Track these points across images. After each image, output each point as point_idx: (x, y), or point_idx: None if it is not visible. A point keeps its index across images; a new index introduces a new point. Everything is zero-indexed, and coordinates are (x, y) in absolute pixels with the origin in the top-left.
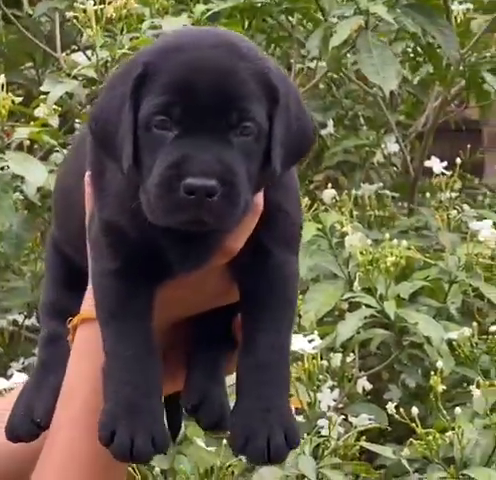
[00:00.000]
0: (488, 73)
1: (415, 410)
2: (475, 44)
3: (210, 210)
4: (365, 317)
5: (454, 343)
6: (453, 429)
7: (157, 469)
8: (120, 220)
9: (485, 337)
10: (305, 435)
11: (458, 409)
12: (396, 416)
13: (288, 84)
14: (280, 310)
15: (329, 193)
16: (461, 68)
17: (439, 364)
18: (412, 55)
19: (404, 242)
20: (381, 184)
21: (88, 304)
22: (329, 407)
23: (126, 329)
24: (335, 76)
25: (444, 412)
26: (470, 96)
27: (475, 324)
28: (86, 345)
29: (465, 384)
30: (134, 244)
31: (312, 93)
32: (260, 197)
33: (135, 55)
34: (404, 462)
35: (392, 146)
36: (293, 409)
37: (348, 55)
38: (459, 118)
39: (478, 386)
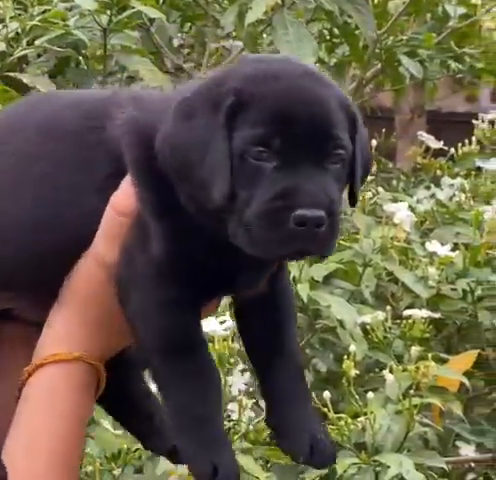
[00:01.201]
0: (404, 56)
1: (327, 394)
2: (392, 26)
3: (317, 240)
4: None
5: (367, 327)
6: (365, 414)
7: None
8: (191, 249)
9: (399, 322)
10: None
11: (370, 394)
12: None
13: (355, 107)
14: (292, 314)
15: None
16: (378, 50)
17: (352, 348)
18: (328, 37)
19: None
20: None
21: (47, 349)
22: (240, 391)
23: (190, 363)
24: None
25: (356, 397)
26: (386, 80)
27: (389, 308)
28: (50, 393)
29: (378, 369)
30: (201, 271)
31: None
32: None
33: (215, 81)
34: None
35: None
36: None
37: (264, 35)
38: (374, 105)
39: (391, 371)
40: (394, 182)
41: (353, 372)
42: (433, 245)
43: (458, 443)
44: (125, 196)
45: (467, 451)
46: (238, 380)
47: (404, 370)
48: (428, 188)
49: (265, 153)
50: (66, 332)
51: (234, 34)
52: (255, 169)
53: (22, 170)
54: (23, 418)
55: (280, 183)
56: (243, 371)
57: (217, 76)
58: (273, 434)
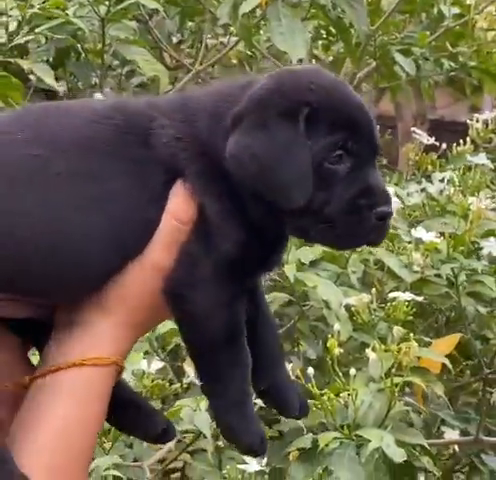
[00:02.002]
0: (398, 53)
1: (311, 370)
2: (385, 23)
3: (385, 231)
4: (265, 281)
5: (353, 309)
6: (348, 392)
7: None
8: (250, 247)
9: (383, 305)
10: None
11: (353, 370)
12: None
13: None
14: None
15: None
16: (372, 48)
17: (336, 327)
18: (325, 35)
19: None
20: None
21: (87, 350)
22: None
23: (240, 349)
24: (248, 53)
25: (340, 374)
26: (380, 80)
27: (374, 291)
28: (87, 393)
29: (363, 351)
30: (255, 266)
31: (223, 67)
32: None
33: (276, 92)
34: (299, 422)
35: None
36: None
37: (261, 32)
38: (376, 113)
39: (374, 350)
40: (387, 178)
41: (337, 350)
42: (418, 231)
43: (443, 428)
44: (184, 205)
45: (451, 436)
46: None
47: (387, 350)
48: (419, 183)
49: (342, 156)
50: (111, 337)
51: (231, 30)
52: (332, 172)
53: (76, 188)
54: (51, 410)
55: (358, 183)
56: None
57: (274, 87)
58: (263, 396)
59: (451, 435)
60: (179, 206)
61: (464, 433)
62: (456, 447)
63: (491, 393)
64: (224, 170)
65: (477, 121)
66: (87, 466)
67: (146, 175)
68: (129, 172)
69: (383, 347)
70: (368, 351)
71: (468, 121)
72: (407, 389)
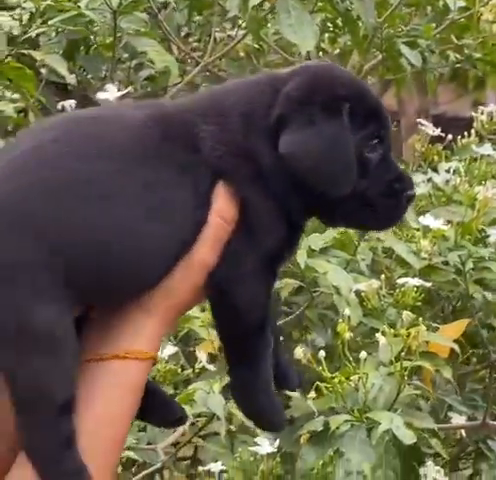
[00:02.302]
0: (404, 46)
1: (322, 353)
2: (391, 16)
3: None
4: None
5: (362, 295)
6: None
7: None
8: (287, 240)
9: (392, 292)
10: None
11: (363, 353)
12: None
13: None
14: None
15: None
16: (378, 40)
17: (347, 312)
18: (331, 28)
19: None
20: None
21: (128, 343)
22: None
23: (268, 332)
24: (256, 46)
25: (350, 358)
26: (386, 72)
27: (383, 277)
28: (129, 385)
29: (372, 337)
30: (286, 254)
31: (231, 60)
32: None
33: (314, 89)
34: (309, 403)
35: None
36: (205, 355)
37: (269, 25)
38: None
39: (384, 334)
40: None
41: (347, 335)
42: (426, 219)
43: (450, 414)
44: (228, 204)
45: (458, 421)
46: None
47: (396, 335)
48: (425, 173)
49: (376, 146)
50: (151, 334)
51: (239, 23)
52: (370, 159)
53: (140, 199)
54: (92, 396)
55: (391, 169)
56: None
57: (309, 85)
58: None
59: (458, 420)
60: (223, 205)
61: (471, 420)
62: (463, 432)
63: None
64: (262, 168)
65: (482, 113)
66: (119, 453)
67: (196, 179)
68: (181, 178)
69: (392, 332)
70: (378, 335)
71: (473, 113)
72: (415, 376)
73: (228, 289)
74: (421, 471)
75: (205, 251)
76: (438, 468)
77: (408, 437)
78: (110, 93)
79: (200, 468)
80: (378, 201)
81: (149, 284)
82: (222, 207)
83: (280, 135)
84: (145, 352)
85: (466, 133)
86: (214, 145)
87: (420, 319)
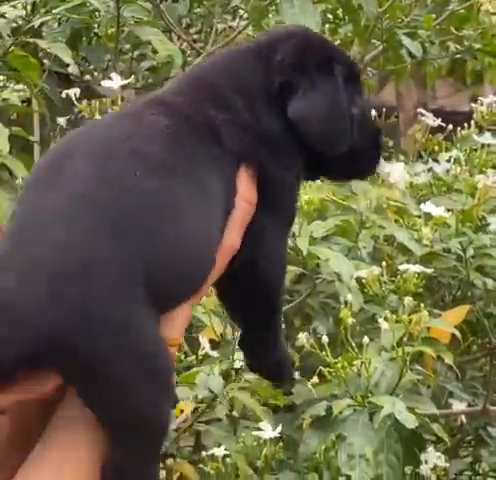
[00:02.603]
0: (405, 36)
1: (325, 338)
2: (391, 7)
3: None
4: None
5: (363, 282)
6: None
7: None
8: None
9: (393, 279)
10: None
11: (366, 338)
12: (307, 346)
13: None
14: None
15: None
16: (379, 31)
17: (349, 297)
18: (332, 19)
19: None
20: None
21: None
22: None
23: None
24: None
25: (353, 344)
26: (386, 63)
27: (384, 263)
28: None
29: (374, 323)
30: None
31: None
32: None
33: (311, 54)
34: (311, 389)
35: None
36: (208, 341)
37: (270, 15)
38: (379, 103)
39: (386, 320)
40: (393, 160)
41: (350, 320)
42: (427, 206)
43: (450, 400)
44: (251, 186)
45: (459, 407)
46: None
47: (398, 321)
48: (426, 163)
49: (358, 101)
50: (183, 320)
51: (240, 13)
52: (354, 116)
53: (194, 198)
54: None
55: (370, 123)
56: None
57: (301, 50)
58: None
59: (459, 407)
60: (247, 189)
61: (471, 407)
62: (464, 419)
63: None
64: (274, 141)
65: (481, 104)
66: None
67: (225, 170)
68: (215, 171)
69: (394, 317)
70: (381, 321)
71: (473, 105)
72: (416, 363)
73: (256, 264)
74: (422, 457)
75: (234, 237)
76: (439, 454)
77: (410, 421)
78: (114, 82)
79: (203, 453)
80: (364, 153)
81: (204, 279)
82: (246, 191)
83: (286, 102)
84: (176, 338)
85: (466, 125)
86: (231, 132)
87: (422, 305)
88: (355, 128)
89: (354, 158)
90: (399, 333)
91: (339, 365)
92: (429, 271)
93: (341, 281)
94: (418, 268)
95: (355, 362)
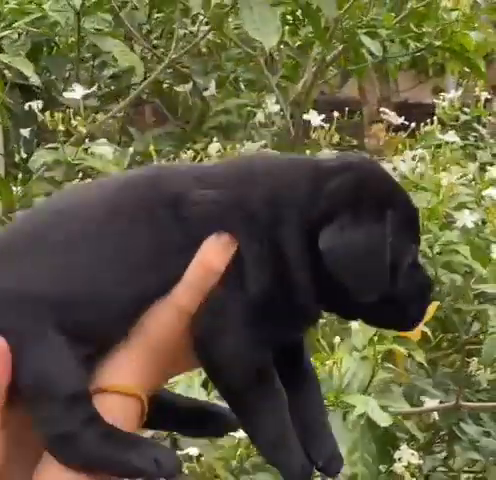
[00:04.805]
0: (365, 36)
1: None
2: (352, 7)
3: None
4: None
5: None
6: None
7: None
8: (286, 304)
9: None
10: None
11: (337, 338)
12: None
13: None
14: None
15: (214, 146)
16: (339, 32)
17: None
18: (291, 20)
19: None
20: (264, 142)
21: (107, 379)
22: None
23: (271, 388)
24: (218, 41)
25: (323, 343)
26: (347, 62)
27: None
28: (110, 419)
29: (344, 323)
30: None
31: (193, 57)
32: None
33: (368, 193)
34: None
35: (273, 107)
36: None
37: (230, 19)
38: (342, 98)
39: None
40: None
41: (320, 321)
42: None
43: (422, 398)
44: (218, 250)
45: (431, 405)
46: None
47: None
48: (390, 162)
49: (411, 250)
50: (132, 370)
51: (200, 19)
52: (402, 264)
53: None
54: None
55: (420, 273)
56: None
57: (357, 185)
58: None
59: (431, 404)
60: (211, 256)
61: (443, 403)
62: (436, 415)
63: (469, 363)
64: (276, 249)
65: (443, 100)
66: None
67: (172, 243)
68: (157, 236)
69: None
70: (352, 323)
71: (434, 100)
72: (386, 362)
73: (211, 339)
74: (396, 455)
75: (185, 297)
76: (412, 451)
77: (384, 419)
78: (77, 92)
79: (178, 452)
80: (407, 304)
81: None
82: (210, 257)
83: (321, 230)
84: (125, 386)
85: (429, 120)
86: (202, 203)
87: None
88: (401, 278)
89: (395, 309)
90: (369, 332)
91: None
92: None
93: None
94: None
95: (327, 362)
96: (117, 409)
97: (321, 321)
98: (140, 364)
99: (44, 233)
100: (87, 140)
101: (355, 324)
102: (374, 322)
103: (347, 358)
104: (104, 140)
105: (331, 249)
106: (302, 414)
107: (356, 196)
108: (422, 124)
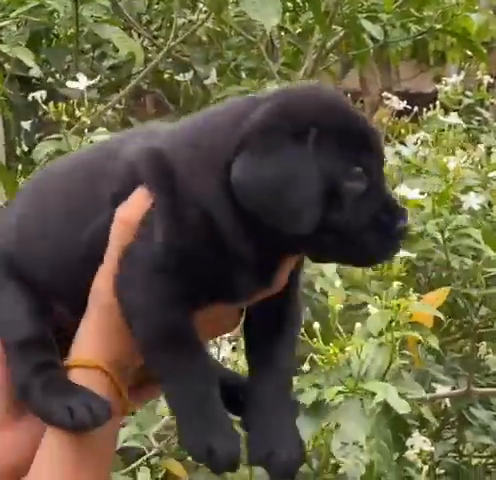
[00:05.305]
0: (365, 21)
1: (316, 325)
2: None
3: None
4: None
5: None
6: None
7: None
8: (195, 250)
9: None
10: None
11: (358, 324)
12: None
13: None
14: (293, 334)
15: None
16: (339, 17)
17: (338, 283)
18: (291, 7)
19: None
20: None
21: (73, 353)
22: None
23: (186, 357)
24: (218, 29)
25: (341, 330)
26: (347, 48)
27: None
28: None
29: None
30: (200, 273)
31: (193, 45)
32: None
33: (278, 116)
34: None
35: None
36: None
37: (230, 7)
38: (343, 88)
39: (372, 305)
40: None
41: (338, 306)
42: (402, 189)
43: (434, 385)
44: (132, 208)
45: (443, 392)
46: None
47: (386, 307)
48: (394, 146)
49: (359, 173)
50: (89, 342)
51: (199, 7)
52: (350, 189)
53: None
54: None
55: (377, 199)
56: None
57: (277, 110)
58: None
59: (443, 390)
60: (126, 210)
61: (454, 389)
62: (448, 402)
63: (478, 348)
64: (188, 186)
65: (446, 85)
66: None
67: (105, 184)
68: (92, 182)
69: (380, 303)
70: (370, 306)
71: (437, 86)
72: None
73: (120, 292)
74: (408, 442)
75: (114, 254)
76: (424, 438)
77: (403, 407)
78: (80, 83)
79: None
80: (360, 236)
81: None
82: (125, 211)
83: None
84: (86, 359)
85: (431, 106)
86: (130, 154)
87: (411, 290)
88: (344, 205)
89: (349, 241)
90: (386, 319)
91: (331, 351)
92: (413, 255)
93: (323, 276)
94: (402, 253)
95: (347, 349)
96: (83, 383)
97: (338, 307)
98: (99, 334)
99: (25, 187)
100: (86, 131)
101: (374, 310)
102: (338, 259)
103: (366, 345)
104: (104, 129)
105: (240, 181)
106: (259, 403)
107: (272, 121)
108: (425, 110)
